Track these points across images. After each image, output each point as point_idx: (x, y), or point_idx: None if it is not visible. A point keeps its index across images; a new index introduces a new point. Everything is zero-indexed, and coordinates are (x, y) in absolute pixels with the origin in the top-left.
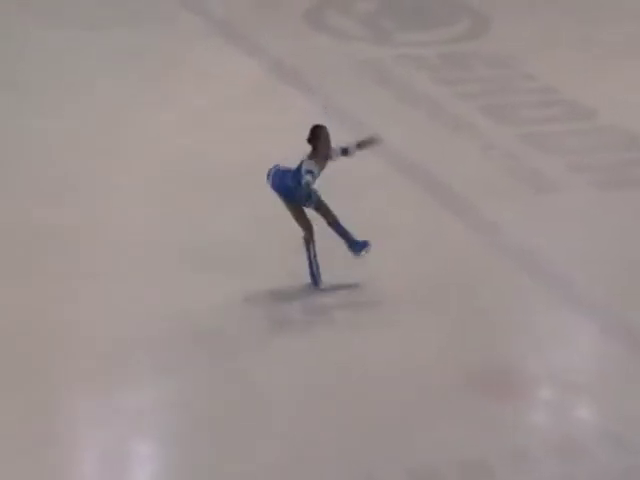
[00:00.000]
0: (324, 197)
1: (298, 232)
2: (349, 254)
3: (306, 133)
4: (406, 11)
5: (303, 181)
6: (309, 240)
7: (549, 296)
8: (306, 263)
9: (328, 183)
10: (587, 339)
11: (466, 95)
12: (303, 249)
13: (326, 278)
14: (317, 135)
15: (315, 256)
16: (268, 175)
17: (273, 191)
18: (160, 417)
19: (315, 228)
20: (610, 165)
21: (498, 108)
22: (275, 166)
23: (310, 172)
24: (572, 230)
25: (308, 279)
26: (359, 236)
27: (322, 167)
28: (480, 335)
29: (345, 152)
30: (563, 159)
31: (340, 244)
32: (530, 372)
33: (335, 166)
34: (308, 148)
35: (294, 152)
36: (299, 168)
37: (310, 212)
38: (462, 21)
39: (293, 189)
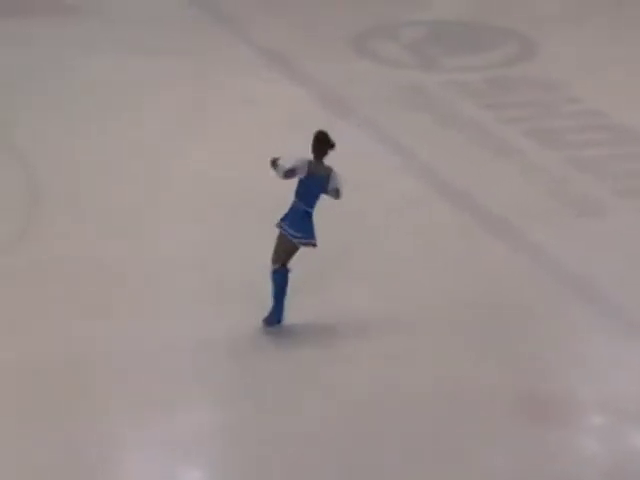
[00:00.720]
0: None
1: (328, 261)
2: (373, 274)
3: (351, 160)
4: (452, 37)
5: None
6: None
7: (595, 320)
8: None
9: (366, 202)
10: (634, 363)
11: (511, 119)
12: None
13: (353, 300)
14: (328, 140)
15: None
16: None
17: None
18: (199, 445)
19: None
20: None
21: (543, 132)
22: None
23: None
24: (616, 253)
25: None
26: (394, 260)
27: None
28: (522, 360)
29: (337, 193)
30: (608, 183)
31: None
32: (578, 398)
33: (374, 185)
34: (358, 172)
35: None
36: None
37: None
38: (508, 45)
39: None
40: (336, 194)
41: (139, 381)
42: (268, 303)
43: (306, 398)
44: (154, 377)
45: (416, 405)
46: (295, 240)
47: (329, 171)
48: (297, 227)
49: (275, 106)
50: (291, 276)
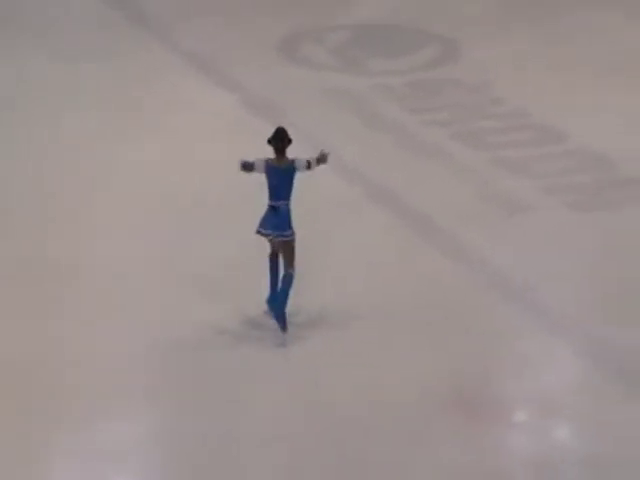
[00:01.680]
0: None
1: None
2: (304, 275)
3: None
4: (377, 40)
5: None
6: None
7: (524, 318)
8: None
9: (294, 205)
10: (562, 360)
11: (437, 122)
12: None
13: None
14: (286, 137)
15: None
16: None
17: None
18: (145, 451)
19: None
20: (581, 187)
21: (469, 134)
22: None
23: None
24: (545, 251)
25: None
26: (327, 262)
27: None
28: (454, 359)
29: (309, 165)
30: (535, 182)
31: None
32: (506, 394)
33: (303, 189)
34: None
35: None
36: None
37: None
38: (432, 48)
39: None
40: (308, 164)
41: (103, 382)
42: (231, 300)
43: (262, 395)
44: (120, 378)
45: (357, 404)
46: (272, 237)
47: (292, 160)
48: (267, 225)
49: (203, 112)
50: (242, 291)
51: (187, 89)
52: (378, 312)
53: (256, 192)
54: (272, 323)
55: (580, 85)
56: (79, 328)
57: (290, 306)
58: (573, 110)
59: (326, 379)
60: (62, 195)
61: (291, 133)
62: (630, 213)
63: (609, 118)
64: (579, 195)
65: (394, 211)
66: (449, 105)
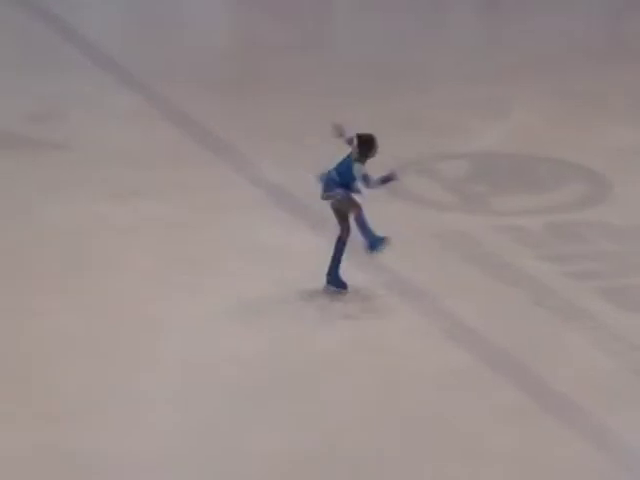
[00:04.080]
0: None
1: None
2: None
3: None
4: (503, 172)
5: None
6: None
7: None
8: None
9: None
10: None
11: (580, 274)
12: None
13: None
14: (373, 144)
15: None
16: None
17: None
18: None
19: None
20: None
21: (621, 291)
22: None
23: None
24: None
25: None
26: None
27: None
28: None
29: (366, 181)
30: None
31: None
32: None
33: (407, 356)
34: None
35: None
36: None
37: None
38: (573, 183)
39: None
40: (365, 179)
41: None
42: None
43: None
44: None
45: None
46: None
47: (353, 163)
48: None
49: (286, 257)
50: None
51: (269, 229)
52: None
53: None
54: None
55: None
56: None
57: None
58: None
59: None
60: (81, 366)
61: (393, 284)
62: None
63: None
64: None
65: (523, 388)
66: (596, 254)
